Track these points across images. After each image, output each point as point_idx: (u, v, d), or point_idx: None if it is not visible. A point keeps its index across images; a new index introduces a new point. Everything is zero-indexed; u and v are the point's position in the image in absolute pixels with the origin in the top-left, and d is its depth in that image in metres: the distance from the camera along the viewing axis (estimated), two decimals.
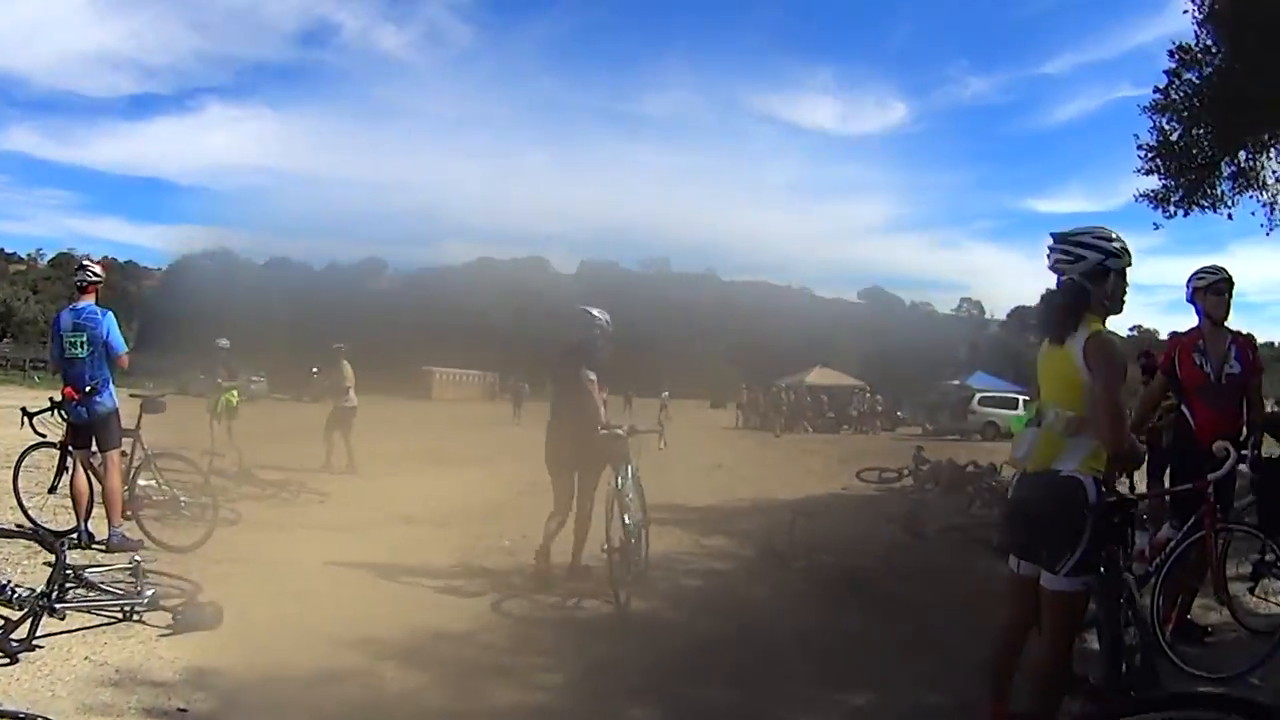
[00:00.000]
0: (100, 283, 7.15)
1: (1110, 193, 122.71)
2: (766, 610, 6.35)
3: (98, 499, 6.96)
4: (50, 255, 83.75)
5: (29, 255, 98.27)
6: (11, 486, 7.40)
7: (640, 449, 6.83)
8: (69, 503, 6.96)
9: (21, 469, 7.42)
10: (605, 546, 6.05)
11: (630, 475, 6.46)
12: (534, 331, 68.89)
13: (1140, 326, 78.09)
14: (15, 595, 4.47)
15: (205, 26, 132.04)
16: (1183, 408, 5.62)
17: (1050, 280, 3.54)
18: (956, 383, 43.13)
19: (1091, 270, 3.45)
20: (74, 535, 6.72)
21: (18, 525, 6.78)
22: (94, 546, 6.70)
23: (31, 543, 5.94)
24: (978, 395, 35.09)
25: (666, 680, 4.72)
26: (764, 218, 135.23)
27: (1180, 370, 5.54)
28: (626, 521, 6.14)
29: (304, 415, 25.91)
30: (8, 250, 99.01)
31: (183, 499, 7.58)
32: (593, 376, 6.56)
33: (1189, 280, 5.53)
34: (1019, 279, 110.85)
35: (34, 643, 4.34)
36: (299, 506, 9.65)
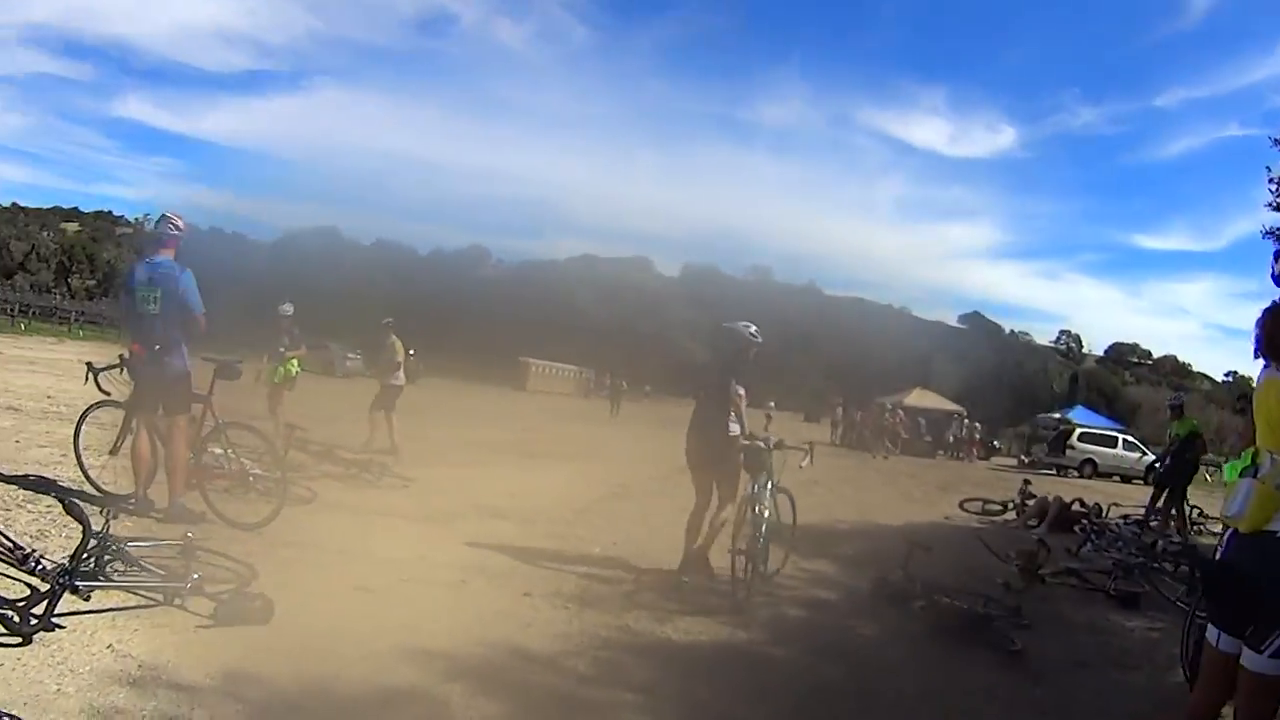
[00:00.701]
0: (181, 237, 6.64)
1: (1214, 233, 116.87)
2: (887, 657, 5.49)
3: (163, 465, 6.45)
4: (157, 219, 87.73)
5: (136, 219, 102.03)
6: (73, 444, 6.95)
7: (784, 464, 6.91)
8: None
9: (84, 428, 6.96)
10: (731, 548, 6.16)
11: (768, 485, 6.59)
12: (634, 329, 68.60)
13: (1236, 372, 75.34)
14: (40, 566, 3.88)
15: (322, 8, 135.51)
16: None
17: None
18: (1057, 416, 41.24)
19: None
20: (130, 501, 6.20)
21: (38, 480, 6.35)
22: (151, 515, 6.16)
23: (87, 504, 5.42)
24: (1079, 430, 33.25)
25: None
26: (868, 233, 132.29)
27: None
28: (761, 531, 6.28)
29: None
30: (116, 213, 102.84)
31: (253, 473, 7.05)
32: (741, 391, 6.68)
33: None
34: (1118, 315, 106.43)
35: (55, 623, 3.75)
36: (380, 490, 9.02)
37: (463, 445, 13.64)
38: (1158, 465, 12.94)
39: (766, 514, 6.40)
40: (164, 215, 6.72)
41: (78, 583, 3.83)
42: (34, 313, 49.11)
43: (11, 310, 46.41)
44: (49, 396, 11.00)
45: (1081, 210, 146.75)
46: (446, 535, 7.13)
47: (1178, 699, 5.06)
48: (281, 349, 11.86)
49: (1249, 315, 3.07)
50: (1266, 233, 14.13)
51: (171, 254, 6.54)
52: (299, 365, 12.17)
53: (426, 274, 75.24)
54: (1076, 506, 12.42)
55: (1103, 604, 7.65)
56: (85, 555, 4.10)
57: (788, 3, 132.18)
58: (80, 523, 3.96)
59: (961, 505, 14.08)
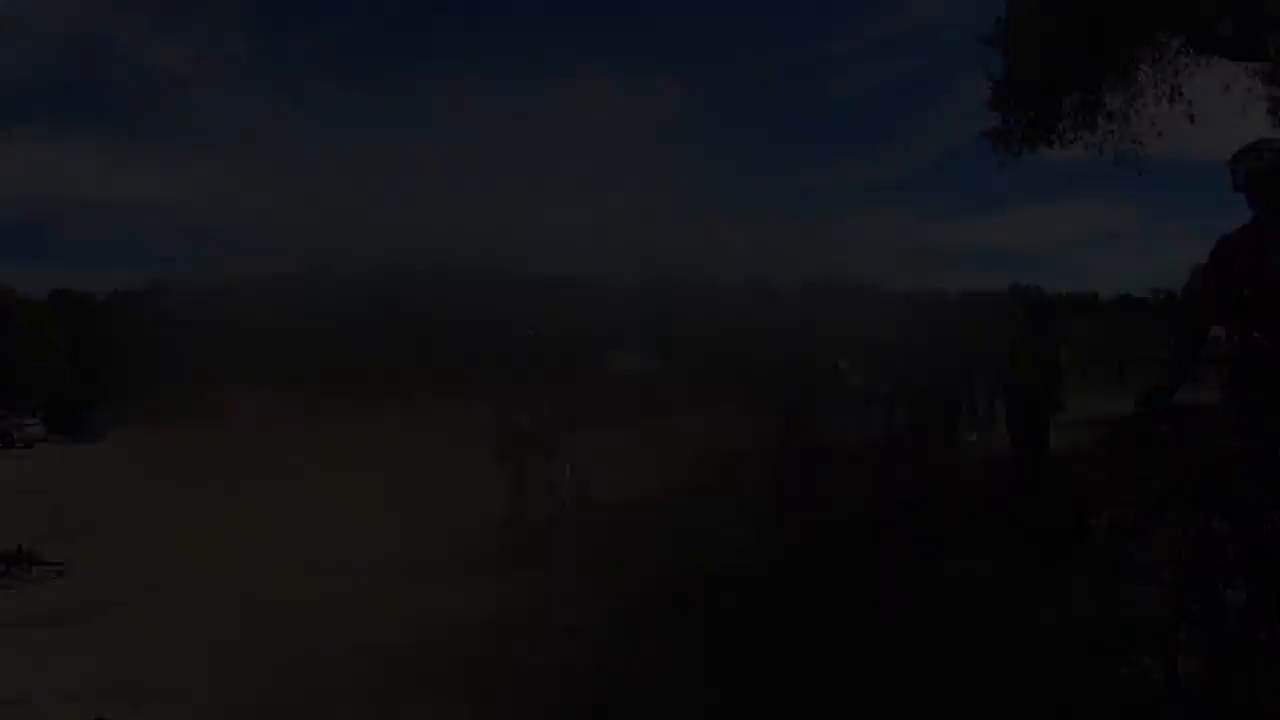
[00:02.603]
0: None
1: (894, 164, 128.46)
2: None
3: None
4: None
5: None
6: None
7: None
8: None
9: None
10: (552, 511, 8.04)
11: (566, 466, 8.35)
12: None
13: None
14: None
15: None
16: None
17: None
18: None
19: None
20: None
21: None
22: None
23: None
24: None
25: None
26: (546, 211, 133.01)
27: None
28: (563, 496, 8.19)
29: (76, 461, 21.71)
30: None
31: None
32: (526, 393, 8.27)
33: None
34: (809, 253, 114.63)
35: None
36: (28, 585, 7.39)
37: None
38: None
39: (565, 481, 8.24)
40: None
41: None
42: None
43: None
44: None
45: (761, 161, 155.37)
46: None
47: None
48: None
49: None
50: (983, 135, 14.18)
51: None
52: None
53: (106, 319, 67.58)
54: None
55: None
56: None
57: None
58: None
59: None
